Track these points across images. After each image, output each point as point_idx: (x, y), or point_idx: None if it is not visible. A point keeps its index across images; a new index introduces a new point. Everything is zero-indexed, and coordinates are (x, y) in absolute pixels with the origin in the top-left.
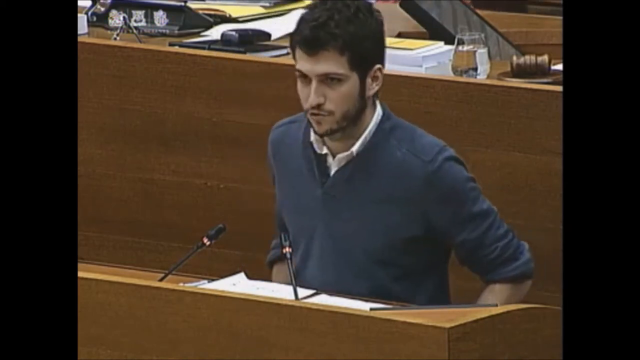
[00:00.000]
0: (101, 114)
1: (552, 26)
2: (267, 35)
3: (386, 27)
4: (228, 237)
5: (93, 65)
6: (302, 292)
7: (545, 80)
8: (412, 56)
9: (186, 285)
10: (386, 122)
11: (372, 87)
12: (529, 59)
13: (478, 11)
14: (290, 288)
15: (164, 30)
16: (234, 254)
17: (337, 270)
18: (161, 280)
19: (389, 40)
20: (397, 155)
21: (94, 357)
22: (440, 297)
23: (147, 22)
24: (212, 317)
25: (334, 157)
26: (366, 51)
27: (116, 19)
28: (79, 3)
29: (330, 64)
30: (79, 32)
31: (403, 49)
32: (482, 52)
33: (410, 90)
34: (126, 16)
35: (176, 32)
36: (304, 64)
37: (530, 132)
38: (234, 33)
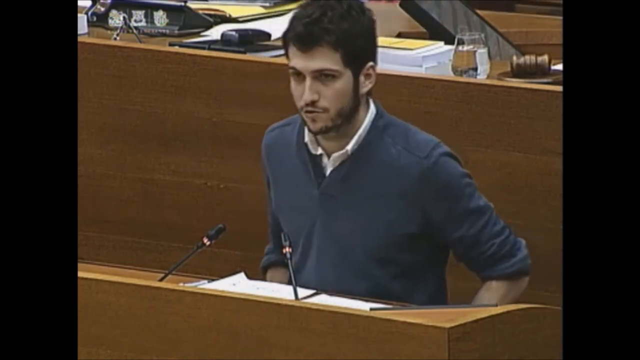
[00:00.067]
0: (101, 114)
1: (552, 26)
2: (267, 35)
3: (386, 27)
4: (228, 237)
5: (93, 65)
6: (302, 292)
7: (545, 80)
8: (412, 56)
9: (186, 285)
10: (380, 120)
11: (366, 85)
12: (529, 59)
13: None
14: (290, 288)
15: (164, 30)
16: (234, 254)
17: (336, 269)
18: (161, 280)
19: (389, 40)
20: (392, 152)
21: (94, 357)
22: (438, 296)
23: (147, 22)
24: (212, 317)
25: (329, 157)
26: (359, 48)
27: (116, 19)
28: (79, 3)
29: (325, 60)
30: (79, 32)
31: (403, 49)
32: (482, 52)
33: (410, 90)
34: (126, 16)
35: (176, 32)
36: (297, 61)
37: (530, 132)
38: (234, 33)
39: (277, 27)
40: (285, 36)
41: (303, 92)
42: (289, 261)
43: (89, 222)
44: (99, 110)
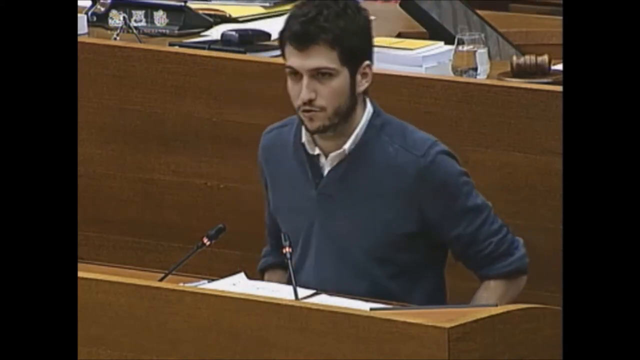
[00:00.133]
0: (101, 114)
1: (552, 26)
2: (267, 35)
3: (386, 27)
4: (228, 237)
5: (93, 65)
6: (302, 292)
7: (545, 80)
8: (412, 56)
9: (186, 285)
10: (377, 119)
11: (362, 84)
12: (529, 59)
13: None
14: (290, 288)
15: (164, 30)
16: (234, 254)
17: (335, 270)
18: (161, 280)
19: (389, 40)
20: (390, 151)
21: (94, 357)
22: (437, 296)
23: (147, 22)
24: (212, 317)
25: (326, 157)
26: (356, 46)
27: (116, 19)
28: (79, 3)
29: (321, 58)
30: (79, 32)
31: (403, 49)
32: (482, 52)
33: (410, 90)
34: (126, 16)
35: (176, 32)
36: (294, 59)
37: (530, 132)
38: (234, 33)
39: (277, 27)
40: (282, 36)
41: (300, 91)
42: (289, 261)
43: (89, 222)
44: (99, 110)
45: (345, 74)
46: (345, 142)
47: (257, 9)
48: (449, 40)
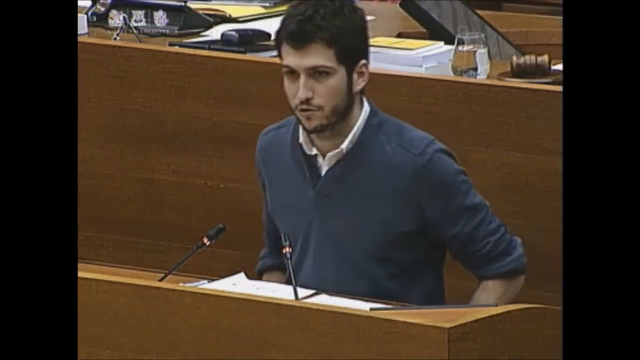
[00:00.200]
0: (101, 114)
1: (552, 26)
2: (267, 35)
3: (386, 27)
4: (228, 237)
5: (93, 65)
6: (302, 292)
7: (545, 80)
8: (412, 56)
9: (186, 285)
10: (374, 118)
11: (359, 83)
12: (529, 59)
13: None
14: (290, 288)
15: (164, 30)
16: (234, 254)
17: (334, 270)
18: (161, 280)
19: (389, 40)
20: (387, 150)
21: (94, 357)
22: (436, 295)
23: (147, 22)
24: (212, 317)
25: (323, 156)
26: (352, 45)
27: (116, 19)
28: (79, 3)
29: (318, 57)
30: (79, 32)
31: (403, 49)
32: (482, 52)
33: (410, 90)
34: (126, 16)
35: (176, 32)
36: (291, 59)
37: (530, 132)
38: (234, 33)
39: (277, 27)
40: (278, 35)
41: (297, 91)
42: (289, 261)
43: (89, 222)
44: (99, 110)
45: (342, 72)
46: (342, 142)
47: (257, 9)
48: (449, 40)
